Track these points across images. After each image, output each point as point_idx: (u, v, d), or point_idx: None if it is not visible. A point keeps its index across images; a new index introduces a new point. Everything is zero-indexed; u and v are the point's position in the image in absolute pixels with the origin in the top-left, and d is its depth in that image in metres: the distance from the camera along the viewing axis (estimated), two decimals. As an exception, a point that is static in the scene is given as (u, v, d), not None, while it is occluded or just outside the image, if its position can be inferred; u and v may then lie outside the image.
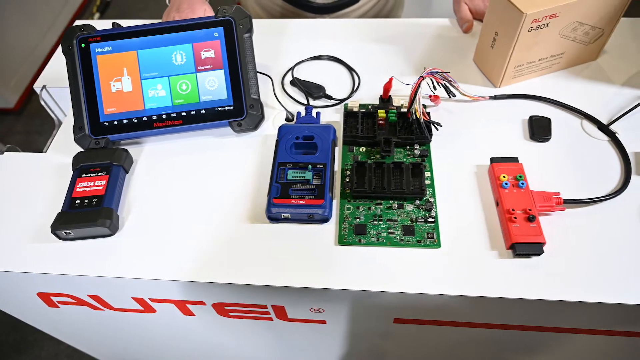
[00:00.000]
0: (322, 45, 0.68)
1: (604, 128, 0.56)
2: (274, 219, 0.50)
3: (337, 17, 0.84)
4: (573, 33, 0.57)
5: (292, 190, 0.50)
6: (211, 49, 0.56)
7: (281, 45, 0.69)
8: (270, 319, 0.55)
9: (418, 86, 0.53)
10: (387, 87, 0.57)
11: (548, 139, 0.55)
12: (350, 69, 0.65)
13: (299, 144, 0.54)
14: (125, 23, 0.61)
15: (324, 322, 0.55)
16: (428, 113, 0.56)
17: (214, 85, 0.56)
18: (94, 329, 0.66)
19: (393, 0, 0.90)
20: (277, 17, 0.86)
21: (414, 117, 0.54)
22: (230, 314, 0.55)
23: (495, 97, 0.60)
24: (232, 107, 0.56)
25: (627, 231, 0.48)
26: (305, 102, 0.61)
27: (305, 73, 0.65)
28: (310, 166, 0.51)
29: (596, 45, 0.61)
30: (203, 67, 0.56)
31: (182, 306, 0.54)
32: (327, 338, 0.60)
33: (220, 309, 0.54)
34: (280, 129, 0.55)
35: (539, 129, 0.56)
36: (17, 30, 1.77)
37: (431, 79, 0.56)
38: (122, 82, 0.56)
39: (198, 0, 0.68)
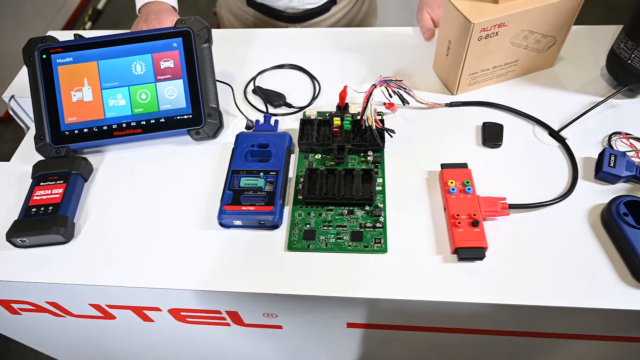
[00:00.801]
0: (288, 54, 0.69)
1: (555, 134, 0.57)
2: (225, 225, 0.51)
3: (309, 26, 0.86)
4: (524, 41, 0.58)
5: (243, 197, 0.51)
6: (170, 59, 0.58)
7: (249, 54, 0.70)
8: (228, 324, 0.56)
9: (370, 94, 0.54)
10: (342, 95, 0.58)
11: (499, 145, 0.56)
12: (312, 77, 0.66)
13: (254, 152, 0.55)
14: (107, 33, 0.62)
15: (280, 327, 0.56)
16: (382, 120, 0.57)
17: (173, 95, 0.58)
18: (60, 336, 0.67)
19: (365, 10, 0.91)
20: (250, 26, 0.88)
21: (367, 125, 0.55)
22: (188, 319, 0.56)
23: (451, 105, 0.61)
24: (190, 116, 0.58)
25: (572, 235, 0.49)
26: (269, 110, 0.63)
27: (270, 81, 0.66)
28: (262, 173, 0.52)
29: (550, 52, 0.62)
30: (162, 77, 0.58)
31: (140, 312, 0.55)
32: (286, 343, 0.61)
33: (177, 314, 0.55)
34: (237, 137, 0.57)
35: (491, 135, 0.57)
36: (9, 39, 1.80)
37: (386, 87, 0.57)
38: (83, 92, 0.57)
39: (166, 10, 0.70)
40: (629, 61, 0.57)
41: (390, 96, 0.58)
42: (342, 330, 0.55)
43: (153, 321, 0.57)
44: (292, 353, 0.64)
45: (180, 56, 0.58)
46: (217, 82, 0.63)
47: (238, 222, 0.50)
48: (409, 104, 0.58)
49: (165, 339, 0.63)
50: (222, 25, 0.94)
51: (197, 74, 0.57)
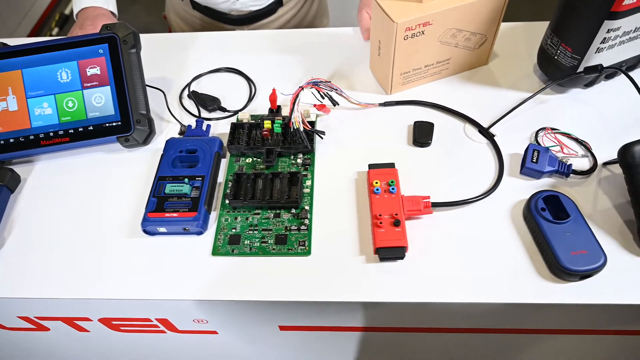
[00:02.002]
0: (228, 58, 0.69)
1: (484, 131, 0.57)
2: (150, 232, 0.51)
3: (256, 28, 0.85)
4: (453, 39, 0.59)
5: (167, 204, 0.50)
6: (97, 66, 0.57)
7: (189, 58, 0.70)
8: (163, 331, 0.56)
9: (296, 96, 0.54)
10: (272, 98, 0.57)
11: (429, 144, 0.56)
12: (248, 80, 0.65)
13: (182, 157, 0.55)
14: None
15: (215, 332, 0.56)
16: (312, 122, 0.57)
17: (100, 102, 0.57)
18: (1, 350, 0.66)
19: (315, 10, 0.91)
20: (197, 29, 0.87)
21: (294, 127, 0.54)
22: (122, 328, 0.55)
23: (385, 104, 0.61)
24: (119, 123, 0.57)
25: (495, 231, 0.49)
26: (204, 115, 0.62)
27: (208, 86, 0.66)
28: (187, 179, 0.52)
29: (483, 50, 0.62)
30: (89, 84, 0.57)
31: (71, 323, 0.54)
32: (223, 348, 0.60)
33: (109, 323, 0.54)
34: (167, 143, 0.56)
35: (421, 134, 0.57)
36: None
37: (316, 89, 0.57)
38: (7, 102, 0.56)
39: (103, 16, 0.69)
40: (556, 57, 0.57)
41: (323, 97, 0.58)
42: (276, 333, 0.55)
43: (88, 331, 0.57)
44: (230, 358, 0.64)
45: (106, 62, 0.57)
46: (150, 88, 0.63)
47: (163, 229, 0.50)
48: (338, 105, 0.58)
49: (104, 348, 0.62)
50: (172, 29, 0.93)
51: (125, 81, 0.57)
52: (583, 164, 0.54)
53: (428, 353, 0.61)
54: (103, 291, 0.47)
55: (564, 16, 0.54)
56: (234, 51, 0.70)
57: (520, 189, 0.52)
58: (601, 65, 0.54)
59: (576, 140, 0.55)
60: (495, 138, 0.56)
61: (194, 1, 0.82)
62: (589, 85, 0.60)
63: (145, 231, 0.50)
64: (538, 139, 0.56)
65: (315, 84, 0.56)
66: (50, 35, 2.05)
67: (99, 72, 0.57)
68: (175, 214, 0.49)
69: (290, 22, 0.87)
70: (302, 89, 0.54)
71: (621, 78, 0.61)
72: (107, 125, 0.57)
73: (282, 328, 0.53)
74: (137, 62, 0.58)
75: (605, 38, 0.52)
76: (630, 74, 0.61)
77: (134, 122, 0.57)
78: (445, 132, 0.58)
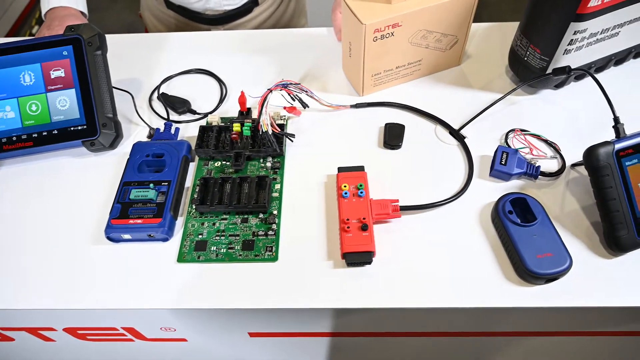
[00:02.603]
0: (201, 58, 0.68)
1: (455, 133, 0.57)
2: (115, 240, 0.50)
3: (232, 27, 0.84)
4: (424, 40, 0.58)
5: (132, 210, 0.49)
6: (61, 68, 0.56)
7: (161, 59, 0.69)
8: (130, 340, 0.55)
9: (265, 99, 0.53)
10: (241, 100, 0.57)
11: (400, 146, 0.56)
12: (220, 82, 0.65)
13: (149, 162, 0.54)
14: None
15: (184, 339, 0.55)
16: (282, 125, 0.56)
17: (65, 105, 0.56)
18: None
19: (292, 10, 0.90)
20: (172, 28, 0.86)
21: (263, 130, 0.54)
22: (88, 337, 0.54)
23: (357, 106, 0.60)
24: (85, 127, 0.56)
25: (463, 235, 0.49)
26: (174, 117, 0.61)
27: (179, 87, 0.65)
28: (152, 184, 0.51)
29: (454, 51, 0.62)
30: (53, 87, 0.56)
31: (35, 332, 0.53)
32: (194, 355, 0.60)
33: (74, 333, 0.53)
34: (133, 147, 0.55)
35: (392, 137, 0.56)
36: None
37: (285, 92, 0.56)
38: (-32, 106, 0.55)
39: (72, 16, 0.68)
40: (526, 58, 0.57)
41: (293, 100, 0.58)
42: (246, 339, 0.54)
43: (53, 340, 0.56)
44: None
45: (71, 65, 0.56)
46: (118, 90, 0.62)
47: (127, 236, 0.49)
48: (308, 107, 0.58)
49: (71, 357, 0.61)
50: (148, 28, 0.91)
51: (90, 83, 0.56)
52: (552, 165, 0.54)
53: (399, 357, 0.60)
54: (65, 301, 0.46)
55: (532, 18, 0.54)
56: (206, 52, 0.69)
57: (489, 191, 0.52)
58: (569, 66, 0.55)
59: (545, 141, 0.55)
60: (465, 140, 0.56)
61: (168, 0, 0.80)
62: (559, 86, 0.60)
63: (109, 238, 0.49)
64: (508, 140, 0.56)
65: (284, 86, 0.56)
66: (30, 34, 2.01)
67: (63, 75, 0.56)
68: (139, 220, 0.48)
69: (266, 22, 0.86)
70: (271, 91, 0.54)
71: (591, 79, 0.61)
72: (72, 129, 0.56)
73: (251, 334, 0.53)
74: (103, 64, 0.57)
75: (572, 40, 0.52)
76: (600, 75, 0.62)
77: (100, 126, 0.56)
78: (416, 133, 0.57)
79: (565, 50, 0.53)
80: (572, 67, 0.56)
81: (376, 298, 0.45)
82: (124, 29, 1.99)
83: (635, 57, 0.63)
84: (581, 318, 0.48)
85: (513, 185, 0.52)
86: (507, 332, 0.52)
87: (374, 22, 0.53)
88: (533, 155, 0.54)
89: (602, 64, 0.60)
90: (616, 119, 0.48)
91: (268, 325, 0.50)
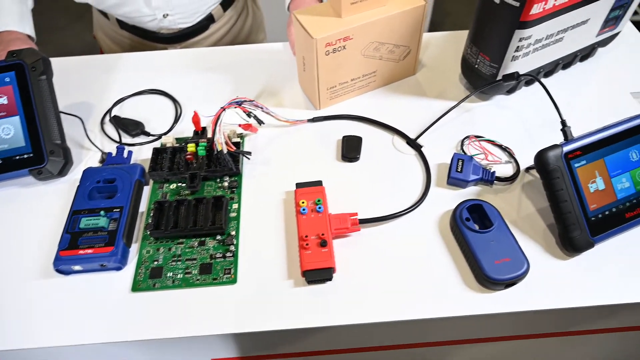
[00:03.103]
0: (155, 78, 0.66)
1: (412, 142, 0.57)
2: (65, 272, 0.47)
3: (189, 45, 0.83)
4: (377, 52, 0.59)
5: (81, 240, 0.47)
6: (3, 95, 0.53)
7: (114, 80, 0.67)
8: (89, 374, 0.52)
9: (218, 118, 0.52)
10: (195, 120, 0.55)
11: (358, 158, 0.56)
12: (174, 102, 0.63)
13: (100, 188, 0.52)
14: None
15: (146, 370, 0.53)
16: (237, 143, 0.55)
17: (9, 134, 0.53)
18: None
19: (250, 25, 0.90)
20: (127, 49, 0.84)
21: (218, 150, 0.53)
22: (42, 374, 0.52)
23: (314, 120, 0.60)
24: (31, 155, 0.53)
25: (423, 245, 0.49)
26: (127, 140, 0.59)
27: (133, 109, 0.63)
28: (103, 212, 0.49)
29: (408, 61, 0.63)
30: (-5, 115, 0.53)
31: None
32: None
33: (26, 371, 0.50)
34: (83, 173, 0.53)
35: (349, 149, 0.56)
36: None
37: (240, 109, 0.55)
38: None
39: (18, 40, 0.65)
40: (476, 66, 0.58)
41: (249, 116, 0.57)
42: (210, 366, 0.52)
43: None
44: None
45: (14, 91, 0.54)
46: (66, 115, 0.60)
47: (78, 267, 0.47)
48: (264, 123, 0.57)
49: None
50: (102, 49, 0.89)
51: (35, 110, 0.53)
52: (507, 170, 0.54)
53: None
54: (13, 341, 0.44)
55: (480, 27, 0.55)
56: (161, 71, 0.68)
57: (447, 199, 0.52)
58: (517, 72, 0.56)
59: (500, 146, 0.56)
60: (422, 149, 0.56)
61: (121, 21, 0.79)
62: (511, 91, 0.61)
63: (58, 271, 0.47)
64: (464, 147, 0.56)
65: (238, 103, 0.55)
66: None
67: (6, 102, 0.53)
68: (90, 250, 0.46)
69: (224, 39, 0.86)
70: (224, 109, 0.53)
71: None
72: (17, 157, 0.53)
73: (215, 360, 0.51)
74: (48, 89, 0.55)
75: (518, 47, 0.53)
76: (549, 79, 0.63)
77: (47, 153, 0.53)
78: (374, 145, 0.57)
79: (513, 56, 0.54)
80: (521, 73, 0.57)
81: (338, 315, 0.44)
82: (85, 49, 1.94)
83: (581, 60, 0.65)
84: (542, 320, 0.48)
85: (470, 192, 0.53)
86: (473, 339, 0.52)
87: (325, 36, 0.53)
88: (488, 161, 0.55)
89: (550, 68, 0.61)
90: (563, 122, 0.49)
91: (231, 350, 0.49)
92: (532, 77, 0.55)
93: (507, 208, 0.51)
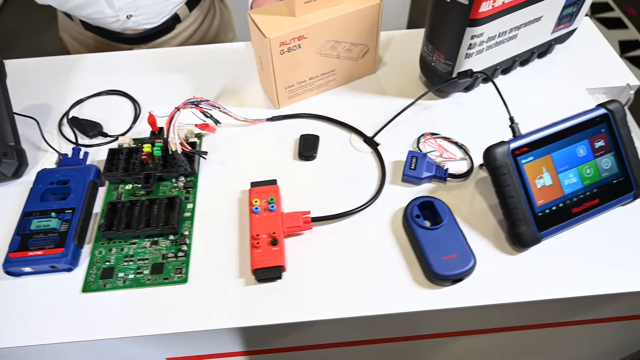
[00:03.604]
0: (116, 79, 0.66)
1: (369, 140, 0.57)
2: (15, 274, 0.47)
3: (155, 46, 0.83)
4: (334, 51, 0.59)
5: (32, 241, 0.47)
6: (-45, 98, 0.53)
7: (75, 81, 0.66)
8: (45, 376, 0.52)
9: (172, 118, 0.52)
10: (150, 121, 0.55)
11: (314, 157, 0.56)
12: (134, 102, 0.63)
13: (54, 190, 0.52)
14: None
15: (103, 371, 0.53)
16: (192, 143, 0.55)
17: (-39, 136, 0.53)
18: None
19: (217, 25, 0.89)
20: (92, 50, 0.83)
21: (172, 150, 0.53)
22: (-2, 377, 0.51)
23: (273, 119, 0.60)
24: (-16, 157, 0.53)
25: (375, 242, 0.49)
26: (85, 141, 0.59)
27: (92, 110, 0.62)
28: (54, 213, 0.49)
29: (367, 59, 0.63)
30: (-52, 118, 0.53)
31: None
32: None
33: (-20, 375, 0.50)
34: (37, 175, 0.53)
35: (305, 148, 0.56)
36: None
37: (195, 109, 0.55)
38: None
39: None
40: (433, 63, 0.59)
41: (207, 116, 0.57)
42: (166, 365, 0.52)
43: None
44: None
45: (-34, 94, 0.53)
46: (22, 117, 0.59)
47: (28, 269, 0.47)
48: (220, 123, 0.57)
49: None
50: (69, 51, 0.89)
51: (-12, 111, 0.53)
52: (462, 167, 0.55)
53: None
54: (-39, 343, 0.44)
55: (434, 25, 0.56)
56: (122, 72, 0.67)
57: (401, 196, 0.52)
58: (471, 70, 0.56)
59: (456, 143, 0.57)
60: (379, 147, 0.57)
61: (85, 22, 0.78)
62: (468, 89, 0.62)
63: (8, 272, 0.47)
64: (419, 144, 0.57)
65: (194, 103, 0.55)
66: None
67: (-43, 105, 0.53)
68: (39, 252, 0.46)
69: (191, 39, 0.86)
70: (178, 110, 0.53)
71: (498, 80, 0.63)
72: (-30, 160, 0.53)
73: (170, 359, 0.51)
74: (1, 90, 0.54)
75: (471, 44, 0.54)
76: (507, 75, 0.64)
77: (0, 155, 0.53)
78: (331, 143, 0.58)
79: (466, 54, 0.55)
80: (476, 70, 0.57)
81: (288, 312, 0.44)
82: (62, 51, 1.93)
83: (539, 56, 0.66)
84: (491, 315, 0.49)
85: (424, 189, 0.53)
86: (425, 334, 0.52)
87: (278, 36, 0.53)
88: (443, 158, 0.55)
89: (507, 65, 0.62)
90: (511, 119, 0.49)
91: (183, 349, 0.49)
92: (485, 75, 0.56)
93: (459, 204, 0.51)
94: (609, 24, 1.97)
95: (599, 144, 0.49)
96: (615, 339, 0.61)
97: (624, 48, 1.87)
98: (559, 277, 0.46)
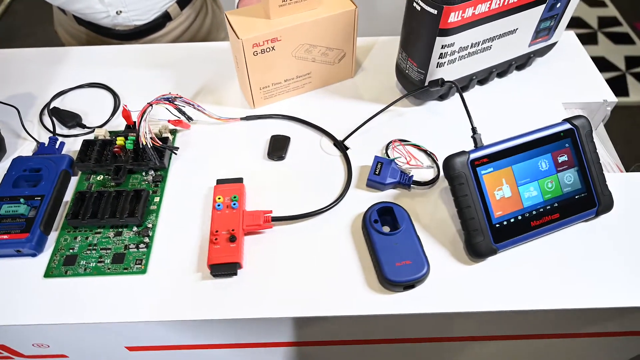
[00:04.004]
0: (101, 72, 0.68)
1: (339, 144, 0.58)
2: (-19, 256, 0.49)
3: (145, 43, 0.84)
4: (309, 54, 0.60)
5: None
6: (-62, 84, 0.55)
7: (60, 72, 0.68)
8: (9, 357, 0.54)
9: (144, 113, 0.54)
10: (125, 115, 0.57)
11: (283, 157, 0.57)
12: (114, 96, 0.65)
13: (27, 177, 0.53)
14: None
15: (65, 356, 0.54)
16: (164, 139, 0.56)
17: (-58, 121, 0.55)
18: None
19: (209, 24, 0.91)
20: (84, 44, 0.85)
21: (143, 144, 0.54)
22: (-37, 356, 0.53)
23: (247, 118, 0.61)
24: (-38, 142, 0.55)
25: (334, 244, 0.49)
26: (64, 132, 0.61)
27: (74, 101, 0.64)
28: (23, 199, 0.50)
29: (344, 64, 0.64)
30: None
31: None
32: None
33: (-55, 353, 0.52)
34: (12, 162, 0.54)
35: (275, 148, 0.57)
36: None
37: (171, 106, 0.56)
38: None
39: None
40: (407, 71, 0.59)
41: (182, 113, 0.58)
42: (125, 354, 0.54)
43: None
44: None
45: (-52, 80, 0.55)
46: (4, 105, 0.61)
47: (-6, 252, 0.48)
48: (193, 120, 0.58)
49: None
50: (64, 44, 0.91)
51: (-31, 98, 0.55)
52: (429, 174, 0.55)
53: None
54: None
55: (407, 33, 0.56)
56: (107, 66, 0.69)
57: (364, 201, 0.53)
58: (442, 79, 0.57)
59: (425, 151, 0.57)
60: (348, 151, 0.57)
61: (77, 17, 0.80)
62: (443, 97, 0.62)
63: (-27, 255, 0.48)
64: (388, 150, 0.57)
65: (168, 99, 0.56)
66: None
67: (-60, 90, 0.55)
68: (5, 236, 0.48)
69: (182, 37, 0.87)
70: (151, 105, 0.54)
71: (474, 90, 0.64)
72: (-51, 144, 0.55)
73: (129, 349, 0.52)
74: (-17, 79, 0.56)
75: (442, 53, 0.54)
76: (484, 87, 0.64)
77: (-21, 142, 0.55)
78: (302, 145, 0.59)
79: (438, 63, 0.55)
80: (450, 80, 0.58)
81: (239, 309, 0.45)
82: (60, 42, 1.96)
83: (518, 68, 0.66)
84: (442, 324, 0.49)
85: (388, 195, 0.53)
86: (377, 339, 0.53)
87: (251, 37, 0.54)
88: (410, 165, 0.56)
89: (484, 76, 0.62)
90: (473, 129, 0.50)
91: (140, 339, 0.50)
92: (453, 85, 0.56)
93: (421, 212, 0.52)
94: (616, 39, 1.95)
95: (562, 158, 0.50)
96: (569, 356, 0.61)
97: (630, 64, 1.85)
98: (511, 290, 0.46)
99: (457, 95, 0.63)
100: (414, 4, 0.52)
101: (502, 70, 0.63)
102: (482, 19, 0.53)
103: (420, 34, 0.54)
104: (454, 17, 0.50)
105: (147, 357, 0.55)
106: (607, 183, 0.50)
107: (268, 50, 0.56)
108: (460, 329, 0.51)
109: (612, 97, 0.63)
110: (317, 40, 0.58)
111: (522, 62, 0.64)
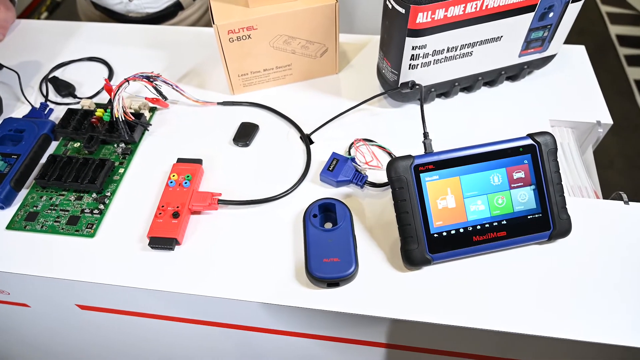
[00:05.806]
0: (106, 48, 0.72)
1: (304, 137, 0.58)
2: (-44, 203, 0.54)
3: (159, 26, 0.88)
4: (288, 46, 0.60)
5: (-26, 178, 0.53)
6: (-50, 45, 0.61)
7: (70, 45, 0.73)
8: (-22, 299, 0.59)
9: (119, 88, 0.56)
10: (106, 88, 0.60)
11: (248, 145, 0.58)
12: (110, 71, 0.68)
13: (12, 136, 0.58)
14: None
15: (27, 305, 0.58)
16: (139, 114, 0.59)
17: (-50, 78, 0.61)
18: None
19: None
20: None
21: (115, 117, 0.57)
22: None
23: (224, 104, 0.63)
24: (-36, 99, 0.61)
25: (275, 234, 0.50)
26: (58, 100, 0.65)
27: (74, 73, 0.68)
28: (1, 156, 0.55)
29: (327, 59, 0.63)
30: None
31: None
32: (36, 322, 0.63)
33: None
34: (3, 122, 0.59)
35: (241, 135, 0.58)
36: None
37: (148, 84, 0.59)
38: None
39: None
40: (383, 71, 0.58)
41: (159, 92, 0.61)
42: (76, 312, 0.57)
43: None
44: (44, 332, 0.67)
45: (-41, 42, 0.61)
46: (7, 70, 0.66)
47: (-36, 201, 0.53)
48: (167, 99, 0.61)
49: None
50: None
51: (-26, 60, 0.60)
52: (386, 177, 0.54)
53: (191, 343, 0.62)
54: None
55: (382, 32, 0.55)
56: (112, 43, 0.73)
57: (315, 195, 0.53)
58: (413, 81, 0.55)
59: (389, 154, 0.56)
60: (313, 145, 0.57)
61: (94, 2, 0.85)
62: (424, 101, 0.60)
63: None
64: (352, 148, 0.56)
65: (146, 77, 0.59)
66: (38, 19, 2.13)
67: (-49, 51, 0.61)
68: (-23, 187, 0.53)
69: (195, 26, 0.90)
70: (127, 81, 0.57)
71: (458, 98, 0.61)
72: (-47, 100, 0.61)
73: (81, 307, 0.56)
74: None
75: (413, 55, 0.53)
76: (471, 94, 0.62)
77: (-22, 100, 0.60)
78: (269, 134, 0.59)
79: (410, 65, 0.54)
80: (428, 84, 0.56)
81: (169, 282, 0.47)
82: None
83: (511, 79, 0.63)
84: (360, 326, 0.48)
85: (339, 192, 0.53)
86: (298, 333, 0.53)
87: (226, 24, 0.55)
88: (369, 165, 0.55)
89: (468, 84, 0.60)
90: (425, 134, 0.48)
91: (87, 299, 0.53)
92: (419, 86, 0.54)
93: (369, 213, 0.51)
94: (631, 61, 1.80)
95: (519, 175, 0.47)
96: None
97: (640, 88, 1.71)
98: (439, 303, 0.44)
99: (438, 100, 0.61)
100: (387, 2, 0.51)
101: (490, 79, 0.60)
102: (456, 22, 0.51)
103: (392, 34, 0.53)
104: (422, 18, 0.49)
105: (97, 317, 0.58)
106: (566, 207, 0.47)
107: (244, 37, 0.57)
108: (379, 334, 0.50)
109: (607, 119, 0.59)
110: (295, 32, 0.59)
111: (514, 73, 0.61)
